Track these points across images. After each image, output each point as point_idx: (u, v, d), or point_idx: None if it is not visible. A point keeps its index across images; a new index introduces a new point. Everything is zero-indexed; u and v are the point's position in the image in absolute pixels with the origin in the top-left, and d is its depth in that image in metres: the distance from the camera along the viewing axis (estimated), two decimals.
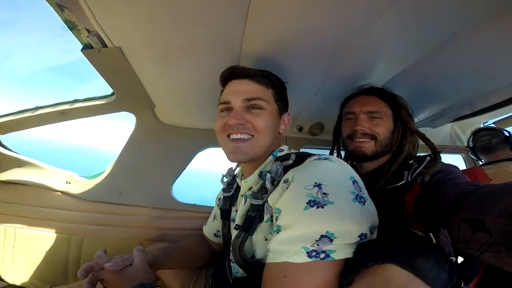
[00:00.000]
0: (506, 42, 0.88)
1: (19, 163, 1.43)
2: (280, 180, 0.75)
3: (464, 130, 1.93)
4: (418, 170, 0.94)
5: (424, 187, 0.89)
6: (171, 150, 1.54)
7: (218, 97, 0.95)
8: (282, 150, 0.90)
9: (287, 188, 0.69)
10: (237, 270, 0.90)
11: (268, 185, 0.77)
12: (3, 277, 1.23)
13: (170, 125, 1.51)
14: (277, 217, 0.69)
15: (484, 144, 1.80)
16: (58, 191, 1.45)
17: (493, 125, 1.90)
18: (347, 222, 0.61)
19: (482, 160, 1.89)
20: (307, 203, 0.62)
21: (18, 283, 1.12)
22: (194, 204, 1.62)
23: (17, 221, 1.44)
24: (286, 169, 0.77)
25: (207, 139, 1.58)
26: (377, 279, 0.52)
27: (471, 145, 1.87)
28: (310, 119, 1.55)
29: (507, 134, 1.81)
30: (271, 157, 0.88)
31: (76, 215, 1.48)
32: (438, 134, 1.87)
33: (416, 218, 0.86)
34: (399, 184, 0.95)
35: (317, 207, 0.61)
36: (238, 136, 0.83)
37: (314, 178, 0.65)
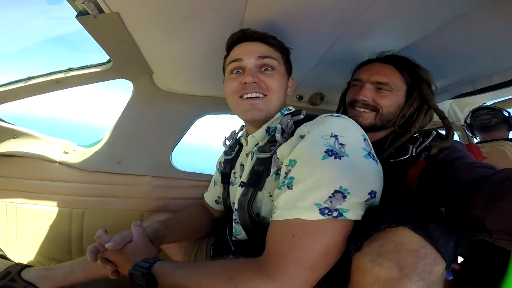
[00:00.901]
0: None
1: (14, 134, 1.37)
2: (289, 133, 0.76)
3: (462, 108, 1.93)
4: (424, 145, 0.91)
5: (430, 163, 0.85)
6: (169, 117, 1.51)
7: (223, 62, 0.94)
8: (290, 109, 0.90)
9: (302, 138, 0.68)
10: (238, 231, 0.90)
11: (277, 136, 0.76)
12: (8, 255, 1.22)
13: (168, 92, 1.47)
14: (290, 169, 0.67)
15: (483, 122, 1.81)
16: (56, 161, 1.42)
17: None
18: (360, 177, 0.61)
19: (477, 138, 1.92)
20: (325, 151, 0.62)
21: (24, 262, 1.13)
22: (194, 173, 1.61)
23: (18, 196, 1.41)
24: (296, 124, 0.78)
25: (205, 106, 1.55)
26: (388, 243, 0.52)
27: (469, 122, 1.88)
28: (311, 89, 1.52)
29: (507, 115, 1.82)
30: (278, 114, 0.89)
31: (76, 187, 1.46)
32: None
33: (419, 194, 0.84)
34: (403, 158, 0.92)
35: (335, 157, 0.61)
36: (254, 95, 0.83)
37: (331, 129, 0.65)
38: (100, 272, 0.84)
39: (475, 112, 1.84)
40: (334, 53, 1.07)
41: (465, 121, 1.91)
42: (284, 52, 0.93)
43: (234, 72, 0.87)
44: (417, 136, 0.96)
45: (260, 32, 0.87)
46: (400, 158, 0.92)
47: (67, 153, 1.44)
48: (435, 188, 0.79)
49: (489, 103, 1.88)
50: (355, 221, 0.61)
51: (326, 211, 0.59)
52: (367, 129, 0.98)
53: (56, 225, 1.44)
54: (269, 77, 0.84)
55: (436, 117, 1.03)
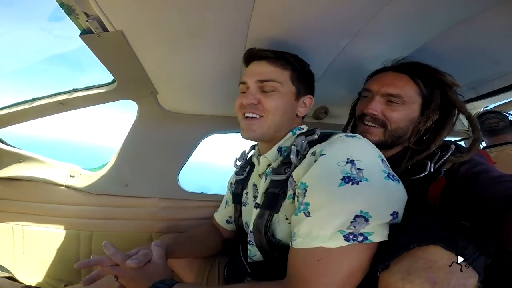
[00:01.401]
0: None
1: (19, 158, 1.37)
2: (305, 154, 0.74)
3: None
4: (443, 160, 0.82)
5: (451, 180, 0.79)
6: (175, 137, 1.49)
7: (238, 80, 0.95)
8: (302, 129, 0.89)
9: (315, 161, 0.67)
10: (254, 253, 0.88)
11: (293, 158, 0.75)
12: (16, 277, 1.20)
13: (173, 112, 1.46)
14: (301, 193, 0.67)
15: (491, 126, 1.78)
16: (63, 185, 1.41)
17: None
18: (381, 200, 0.61)
19: (484, 143, 1.89)
20: (342, 179, 0.61)
21: (33, 284, 1.10)
22: (202, 193, 1.59)
23: (24, 219, 1.40)
24: (310, 144, 0.77)
25: (211, 125, 1.53)
26: (419, 261, 0.51)
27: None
28: (315, 102, 1.50)
29: None
30: (290, 133, 0.88)
31: (84, 210, 1.45)
32: None
33: (441, 211, 0.78)
34: (421, 175, 0.83)
35: (352, 184, 0.60)
36: (250, 115, 0.85)
37: (346, 154, 0.65)
38: None
39: (481, 117, 1.82)
40: (338, 65, 1.06)
41: (469, 128, 1.89)
42: (295, 69, 0.88)
43: (242, 91, 0.90)
44: (434, 150, 0.87)
45: (264, 51, 0.85)
46: (418, 176, 0.84)
47: (73, 176, 1.43)
48: (461, 204, 0.74)
49: (491, 106, 1.87)
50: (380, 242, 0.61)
51: (351, 236, 0.58)
52: (377, 146, 0.89)
53: (64, 247, 1.43)
54: (267, 97, 0.84)
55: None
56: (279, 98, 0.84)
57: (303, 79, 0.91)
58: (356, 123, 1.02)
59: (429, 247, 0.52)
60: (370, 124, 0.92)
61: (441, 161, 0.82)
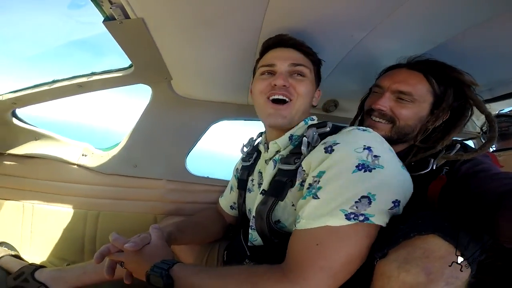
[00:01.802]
0: None
1: (35, 136, 1.42)
2: (315, 146, 0.75)
3: (478, 116, 1.88)
4: (445, 159, 0.83)
5: (452, 178, 0.80)
6: (185, 122, 1.53)
7: (254, 65, 0.97)
8: (314, 119, 0.90)
9: (331, 150, 0.67)
10: (255, 237, 0.90)
11: (303, 149, 0.76)
12: (22, 255, 1.25)
13: (185, 97, 1.49)
14: (317, 180, 0.67)
15: (501, 130, 1.78)
16: (75, 164, 1.46)
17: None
18: (391, 186, 0.62)
19: (494, 147, 1.88)
20: (356, 166, 0.62)
21: (37, 262, 1.15)
22: (208, 177, 1.62)
23: (35, 197, 1.44)
24: (322, 136, 0.77)
25: (221, 112, 1.56)
26: (416, 250, 0.52)
27: (485, 130, 1.85)
28: (325, 95, 1.49)
29: None
30: (302, 123, 0.88)
31: (93, 189, 1.49)
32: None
33: (439, 208, 0.79)
34: (423, 172, 0.84)
35: (365, 171, 0.61)
36: (280, 97, 0.83)
37: (363, 141, 0.65)
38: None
39: None
40: (351, 59, 1.06)
41: (481, 129, 1.87)
42: (316, 63, 0.93)
43: (265, 73, 0.88)
44: (439, 149, 0.87)
45: (296, 40, 0.87)
46: (420, 172, 0.85)
47: (85, 155, 1.47)
48: (459, 201, 0.74)
49: (506, 109, 1.84)
50: (379, 230, 0.61)
51: (352, 215, 0.59)
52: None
53: (70, 226, 1.46)
54: (298, 82, 0.85)
55: None
56: (308, 84, 0.87)
57: (319, 72, 0.96)
58: (363, 118, 1.04)
59: (428, 237, 0.52)
60: (377, 119, 0.93)
61: (444, 160, 0.83)
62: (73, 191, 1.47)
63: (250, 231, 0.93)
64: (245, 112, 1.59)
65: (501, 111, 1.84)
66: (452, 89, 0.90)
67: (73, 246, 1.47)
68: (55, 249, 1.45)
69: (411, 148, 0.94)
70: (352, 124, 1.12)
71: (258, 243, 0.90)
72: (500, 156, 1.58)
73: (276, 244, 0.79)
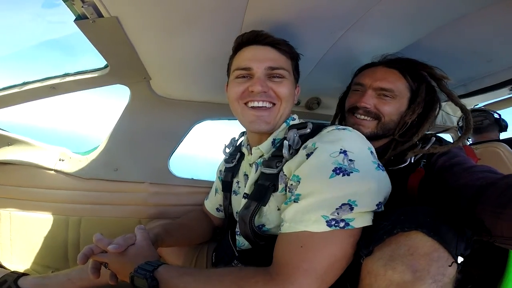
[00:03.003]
0: (507, 27, 0.90)
1: (8, 141, 1.36)
2: (297, 149, 0.74)
3: (455, 111, 1.96)
4: (423, 152, 0.88)
5: (429, 171, 0.84)
6: (167, 123, 1.51)
7: (228, 62, 0.92)
8: (294, 119, 0.89)
9: (310, 155, 0.68)
10: (242, 243, 0.90)
11: (285, 152, 0.75)
12: (3, 263, 1.22)
13: (166, 98, 1.47)
14: (295, 185, 0.68)
15: (476, 124, 1.86)
16: (52, 169, 1.40)
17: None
18: (371, 190, 0.62)
19: (470, 140, 1.96)
20: (333, 170, 0.62)
21: (20, 270, 1.11)
22: (192, 179, 1.61)
23: (11, 204, 1.39)
24: (302, 138, 0.76)
25: (203, 112, 1.55)
26: (401, 247, 0.52)
27: (461, 125, 1.92)
28: (308, 93, 1.53)
29: (498, 117, 1.88)
30: (284, 124, 0.86)
31: (72, 194, 1.44)
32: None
33: (419, 201, 0.83)
34: (402, 166, 0.89)
35: (343, 175, 0.61)
36: (260, 104, 0.80)
37: (339, 145, 0.65)
38: (98, 280, 0.81)
39: None
40: (332, 56, 1.08)
41: (458, 124, 1.95)
42: (295, 59, 0.90)
43: (241, 77, 0.83)
44: (416, 142, 0.93)
45: (273, 37, 0.83)
46: (399, 166, 0.90)
47: (62, 160, 1.42)
48: (437, 195, 0.78)
49: (481, 105, 1.93)
50: (364, 227, 0.62)
51: (333, 222, 0.59)
52: (368, 138, 0.92)
53: (52, 233, 1.42)
54: (278, 84, 0.81)
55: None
56: (289, 85, 0.84)
57: (297, 68, 0.93)
58: (344, 116, 1.06)
59: (411, 233, 0.53)
60: (362, 117, 0.96)
61: (421, 153, 0.88)
62: (51, 197, 1.42)
63: (236, 236, 0.94)
64: (229, 111, 1.58)
65: (476, 106, 1.92)
66: (425, 84, 0.96)
67: (56, 253, 1.43)
68: (38, 257, 1.41)
69: (391, 143, 0.99)
70: (332, 123, 1.11)
71: (246, 247, 0.90)
72: (477, 149, 1.65)
73: (263, 246, 0.80)
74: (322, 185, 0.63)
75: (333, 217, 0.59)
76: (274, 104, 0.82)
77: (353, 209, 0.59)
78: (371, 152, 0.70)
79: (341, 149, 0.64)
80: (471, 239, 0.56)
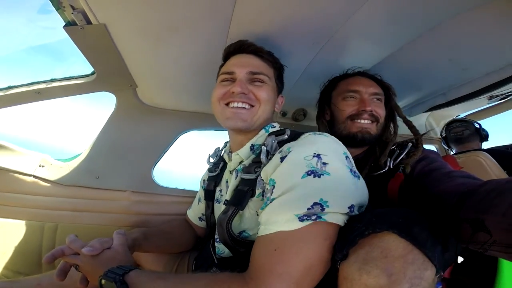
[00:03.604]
0: (480, 35, 0.97)
1: None
2: (274, 154, 0.78)
3: (438, 122, 2.07)
4: (401, 157, 0.96)
5: (408, 177, 0.90)
6: (152, 132, 1.55)
7: (218, 72, 0.99)
8: (274, 127, 0.94)
9: (284, 158, 0.71)
10: (222, 250, 0.92)
11: (262, 158, 0.80)
12: None
13: (152, 106, 1.52)
14: (270, 189, 0.70)
15: (457, 135, 1.96)
16: (31, 175, 1.41)
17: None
18: (340, 193, 0.64)
19: (453, 150, 2.05)
20: (306, 172, 0.65)
21: None
22: (176, 188, 1.63)
23: None
24: (280, 144, 0.81)
25: (189, 121, 1.60)
26: (374, 250, 0.52)
27: (444, 135, 2.02)
28: (294, 104, 1.60)
29: (478, 126, 1.98)
30: (263, 131, 0.92)
31: (50, 201, 1.44)
32: (415, 125, 1.96)
33: (400, 206, 0.85)
34: (381, 172, 0.96)
35: (314, 176, 0.64)
36: (240, 105, 0.87)
37: (313, 149, 0.69)
38: (68, 284, 0.82)
39: (449, 125, 1.99)
40: (316, 67, 1.15)
41: (441, 134, 2.04)
42: (277, 68, 0.98)
43: (225, 81, 0.92)
44: (393, 148, 1.02)
45: (257, 46, 0.93)
46: (379, 172, 0.97)
47: (43, 166, 1.44)
48: (417, 200, 0.82)
49: (463, 114, 2.03)
50: (339, 232, 0.62)
51: (305, 217, 0.60)
52: (370, 141, 1.06)
53: (26, 238, 1.42)
54: (259, 88, 0.89)
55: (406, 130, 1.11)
56: (269, 90, 0.92)
57: (281, 79, 1.01)
58: (338, 125, 1.11)
59: (384, 235, 0.52)
60: (367, 121, 1.05)
61: (399, 158, 0.96)
62: (28, 202, 1.42)
63: (216, 244, 0.96)
64: (215, 122, 1.62)
65: (458, 117, 2.02)
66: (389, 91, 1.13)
67: (29, 259, 1.41)
68: (10, 262, 1.39)
69: (370, 149, 1.08)
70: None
71: (226, 255, 0.92)
72: (459, 158, 1.72)
73: (244, 254, 0.81)
74: (294, 184, 0.65)
75: (305, 213, 0.61)
76: (252, 106, 0.89)
77: (324, 210, 0.61)
78: (346, 157, 0.73)
79: (314, 153, 0.68)
80: (455, 246, 0.56)
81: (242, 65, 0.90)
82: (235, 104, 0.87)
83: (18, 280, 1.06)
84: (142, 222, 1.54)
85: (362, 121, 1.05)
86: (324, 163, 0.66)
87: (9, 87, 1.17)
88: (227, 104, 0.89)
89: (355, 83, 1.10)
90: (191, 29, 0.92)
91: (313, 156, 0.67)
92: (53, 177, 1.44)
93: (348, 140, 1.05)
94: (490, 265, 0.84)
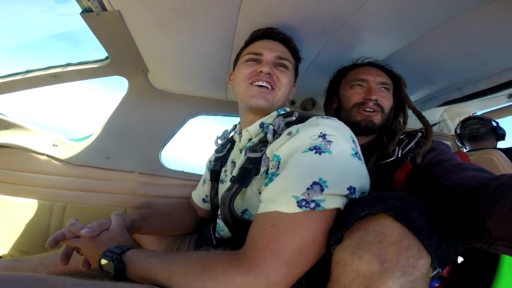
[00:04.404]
0: (500, 29, 0.96)
1: (5, 125, 1.46)
2: (281, 134, 0.81)
3: (453, 119, 2.05)
4: (409, 146, 0.98)
5: (417, 167, 0.91)
6: (162, 115, 1.62)
7: (238, 52, 1.05)
8: (286, 110, 0.99)
9: (291, 138, 0.74)
10: (222, 227, 0.97)
11: (269, 137, 0.84)
12: None
13: (162, 91, 1.59)
14: (276, 165, 0.73)
15: (472, 132, 1.94)
16: (44, 154, 1.49)
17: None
18: (340, 172, 0.65)
19: (467, 148, 2.03)
20: (309, 148, 0.68)
21: None
22: (183, 172, 1.70)
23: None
24: (288, 125, 0.84)
25: (198, 107, 1.66)
26: (369, 234, 0.51)
27: (458, 132, 2.00)
28: (303, 94, 1.64)
29: (495, 125, 1.95)
30: (275, 112, 0.97)
31: (60, 180, 1.52)
32: (428, 120, 1.95)
33: None
34: (389, 160, 0.99)
35: (315, 152, 0.67)
36: (264, 84, 0.92)
37: (320, 130, 0.71)
38: (72, 266, 0.84)
39: (464, 122, 1.97)
40: (325, 56, 1.18)
41: (455, 131, 2.02)
42: (298, 59, 1.06)
43: (251, 60, 0.97)
44: (402, 138, 1.04)
45: (285, 35, 1.00)
46: (387, 160, 0.99)
47: (56, 146, 1.52)
48: (424, 190, 0.84)
49: (479, 112, 2.00)
50: (337, 215, 0.62)
51: (303, 203, 0.61)
52: (377, 130, 1.09)
53: (35, 218, 1.49)
54: (282, 73, 0.95)
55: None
56: (290, 76, 0.99)
57: (297, 69, 1.09)
58: (345, 113, 1.15)
59: (380, 217, 0.51)
60: (372, 110, 1.09)
61: (408, 147, 0.98)
62: (39, 182, 1.50)
63: (218, 220, 1.01)
64: (224, 107, 1.70)
65: (474, 114, 1.99)
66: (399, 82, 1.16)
67: (36, 239, 1.47)
68: (17, 242, 1.46)
69: (378, 137, 1.10)
70: None
71: (225, 234, 0.96)
72: (472, 155, 1.71)
73: (242, 235, 0.81)
74: (295, 159, 0.68)
75: (304, 197, 0.61)
76: (273, 88, 0.94)
77: (323, 190, 0.61)
78: (353, 140, 0.75)
79: (321, 133, 0.70)
80: (456, 240, 0.56)
81: (271, 48, 0.96)
82: (260, 83, 0.92)
83: (22, 259, 1.10)
84: (147, 204, 1.61)
85: (368, 109, 1.09)
86: (328, 141, 0.68)
87: (27, 71, 1.25)
88: (251, 83, 0.94)
89: (363, 72, 1.13)
90: (201, 16, 0.96)
91: (319, 136, 0.70)
92: (65, 156, 1.52)
93: (352, 128, 1.02)
94: (489, 266, 0.84)
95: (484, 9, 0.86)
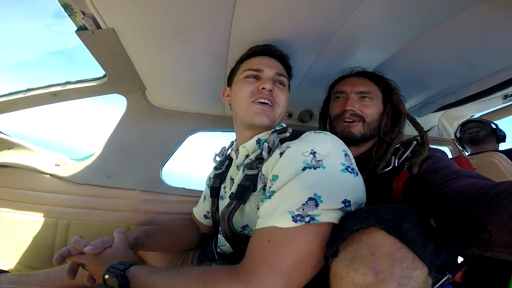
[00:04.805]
0: (486, 31, 0.97)
1: (8, 145, 1.50)
2: (275, 151, 0.83)
3: (451, 123, 2.04)
4: (405, 155, 0.98)
5: (414, 176, 0.92)
6: (161, 133, 1.64)
7: (233, 67, 1.07)
8: (282, 126, 1.01)
9: (282, 153, 0.76)
10: (223, 243, 0.98)
11: (264, 154, 0.86)
12: None
13: (160, 108, 1.61)
14: (272, 182, 0.74)
15: (472, 136, 1.93)
16: (47, 173, 1.52)
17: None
18: (334, 188, 0.67)
19: (468, 151, 2.02)
20: (302, 167, 0.70)
21: (4, 269, 1.18)
22: (184, 188, 1.72)
23: (4, 205, 1.49)
24: (282, 141, 0.87)
25: (197, 123, 1.68)
26: (363, 247, 0.52)
27: (458, 136, 1.99)
28: (300, 106, 1.65)
29: (494, 127, 1.94)
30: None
31: (64, 198, 1.55)
32: (426, 126, 1.95)
33: (405, 204, 0.88)
34: (386, 170, 0.99)
35: (309, 168, 0.69)
36: (266, 101, 0.94)
37: (310, 146, 0.73)
38: (78, 281, 0.86)
39: (463, 126, 1.96)
40: (318, 68, 1.21)
41: (455, 135, 2.01)
42: (290, 76, 1.09)
43: (251, 77, 0.98)
44: (398, 146, 1.05)
45: (282, 52, 1.03)
46: (384, 170, 0.99)
47: (58, 165, 1.55)
48: (422, 198, 0.84)
49: (477, 114, 2.00)
50: (332, 229, 0.64)
51: (299, 217, 0.63)
52: (359, 140, 1.09)
53: (40, 234, 1.51)
54: (280, 90, 0.97)
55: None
56: (287, 94, 1.01)
57: (289, 87, 1.09)
58: (332, 126, 1.19)
59: (372, 231, 0.52)
60: (350, 120, 1.10)
61: (404, 156, 0.98)
62: (44, 200, 1.53)
63: (219, 236, 1.02)
64: (222, 123, 1.72)
65: (472, 117, 1.99)
66: (387, 91, 1.15)
67: (42, 254, 1.50)
68: (23, 257, 1.48)
69: (373, 147, 1.11)
70: None
71: (226, 249, 0.97)
72: (473, 159, 1.70)
73: (243, 250, 0.79)
74: (291, 178, 0.69)
75: (299, 212, 0.63)
76: (273, 106, 0.95)
77: (318, 206, 0.63)
78: (346, 154, 0.76)
79: (311, 150, 0.72)
80: (454, 247, 0.56)
81: (271, 65, 0.99)
82: (262, 100, 0.94)
83: (28, 274, 1.12)
84: (150, 221, 1.62)
85: (346, 120, 1.10)
86: (318, 160, 0.70)
87: (28, 90, 1.29)
88: (254, 101, 0.95)
89: (343, 84, 1.16)
90: (194, 33, 0.99)
91: (310, 153, 0.72)
92: (68, 175, 1.55)
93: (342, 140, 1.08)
94: (504, 271, 0.84)
95: (471, 10, 0.87)
